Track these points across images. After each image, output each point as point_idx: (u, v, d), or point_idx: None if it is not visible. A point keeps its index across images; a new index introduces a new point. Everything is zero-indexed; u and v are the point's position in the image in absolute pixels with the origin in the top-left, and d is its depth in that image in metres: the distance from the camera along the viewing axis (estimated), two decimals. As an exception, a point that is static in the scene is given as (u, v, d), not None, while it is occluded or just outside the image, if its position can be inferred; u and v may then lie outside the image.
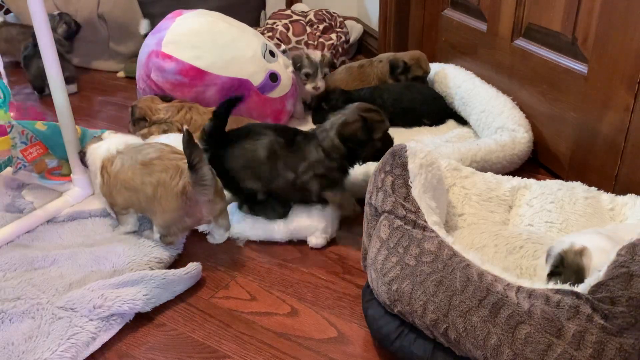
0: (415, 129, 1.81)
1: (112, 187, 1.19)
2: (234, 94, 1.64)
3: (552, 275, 0.88)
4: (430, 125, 1.82)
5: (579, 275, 0.84)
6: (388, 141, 1.23)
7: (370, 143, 1.21)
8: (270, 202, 1.26)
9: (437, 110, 1.85)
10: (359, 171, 1.39)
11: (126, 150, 1.20)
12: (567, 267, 0.86)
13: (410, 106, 1.81)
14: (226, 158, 1.23)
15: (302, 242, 1.26)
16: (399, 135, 1.76)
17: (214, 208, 1.15)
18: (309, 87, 1.84)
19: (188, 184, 1.10)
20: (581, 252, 0.86)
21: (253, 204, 1.28)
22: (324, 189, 1.23)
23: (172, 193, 1.11)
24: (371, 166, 1.37)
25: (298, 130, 1.28)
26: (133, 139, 1.28)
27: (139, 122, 1.62)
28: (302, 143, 1.23)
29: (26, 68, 2.35)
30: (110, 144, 1.23)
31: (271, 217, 1.26)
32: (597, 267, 0.76)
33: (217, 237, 1.24)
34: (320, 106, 1.81)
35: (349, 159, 1.24)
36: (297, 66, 1.84)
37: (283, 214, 1.26)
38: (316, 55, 1.84)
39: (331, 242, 1.26)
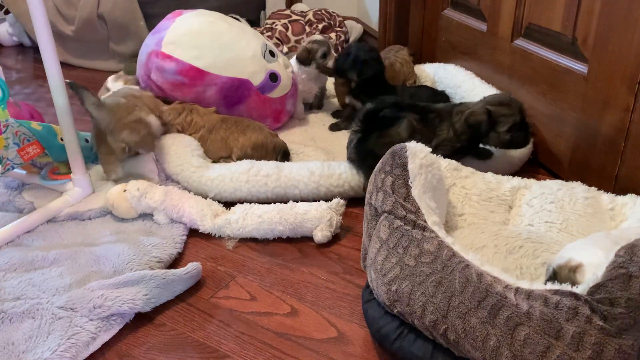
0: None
1: None
2: (235, 94, 1.66)
3: None
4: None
5: None
6: (519, 133, 1.34)
7: (494, 134, 1.33)
8: None
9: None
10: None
11: None
12: (560, 282, 0.86)
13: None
14: (371, 143, 1.34)
15: (302, 242, 1.26)
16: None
17: (120, 137, 1.40)
18: (331, 64, 1.78)
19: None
20: (575, 268, 0.86)
21: None
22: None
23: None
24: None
25: (430, 107, 1.41)
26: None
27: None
28: (435, 121, 1.38)
29: None
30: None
31: None
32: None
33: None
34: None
35: (474, 142, 1.39)
36: (309, 57, 1.80)
37: None
38: (317, 36, 1.84)
39: (331, 242, 1.26)
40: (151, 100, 1.53)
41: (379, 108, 1.35)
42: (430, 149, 1.04)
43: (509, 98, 1.37)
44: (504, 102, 1.35)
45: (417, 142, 1.25)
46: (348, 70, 1.73)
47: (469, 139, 1.38)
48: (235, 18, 2.19)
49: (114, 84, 1.68)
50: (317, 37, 1.84)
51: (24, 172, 1.46)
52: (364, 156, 1.36)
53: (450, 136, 1.37)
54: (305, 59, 1.82)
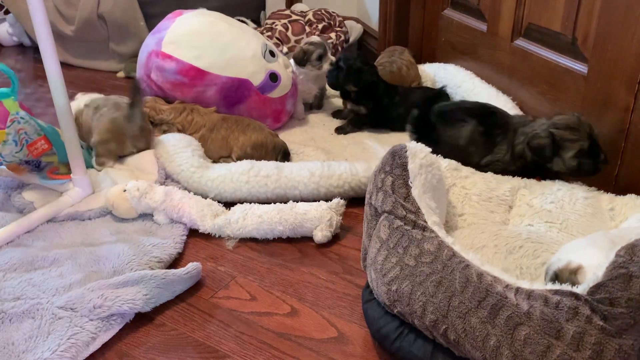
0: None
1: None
2: (235, 94, 1.66)
3: None
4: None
5: None
6: (588, 160, 1.23)
7: (558, 159, 1.25)
8: None
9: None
10: (360, 168, 1.40)
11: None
12: (561, 284, 0.86)
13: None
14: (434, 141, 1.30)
15: (302, 242, 1.26)
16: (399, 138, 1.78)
17: (136, 144, 1.52)
18: (326, 66, 1.79)
19: (120, 117, 1.47)
20: (576, 271, 0.86)
21: None
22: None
23: (105, 119, 1.49)
24: (373, 163, 1.37)
25: (499, 121, 1.37)
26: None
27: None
28: (497, 137, 1.34)
29: None
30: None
31: None
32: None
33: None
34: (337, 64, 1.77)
35: (534, 167, 1.30)
36: (304, 58, 1.81)
37: None
38: (315, 38, 1.83)
39: (331, 242, 1.26)
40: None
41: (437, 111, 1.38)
42: (430, 149, 1.03)
43: (577, 121, 1.25)
44: (571, 126, 1.24)
45: (472, 152, 1.32)
46: (345, 83, 1.74)
47: (530, 163, 1.30)
48: (242, 21, 2.19)
49: (83, 97, 1.81)
50: (315, 38, 1.84)
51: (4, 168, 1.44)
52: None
53: (506, 159, 1.33)
54: (300, 60, 1.82)
